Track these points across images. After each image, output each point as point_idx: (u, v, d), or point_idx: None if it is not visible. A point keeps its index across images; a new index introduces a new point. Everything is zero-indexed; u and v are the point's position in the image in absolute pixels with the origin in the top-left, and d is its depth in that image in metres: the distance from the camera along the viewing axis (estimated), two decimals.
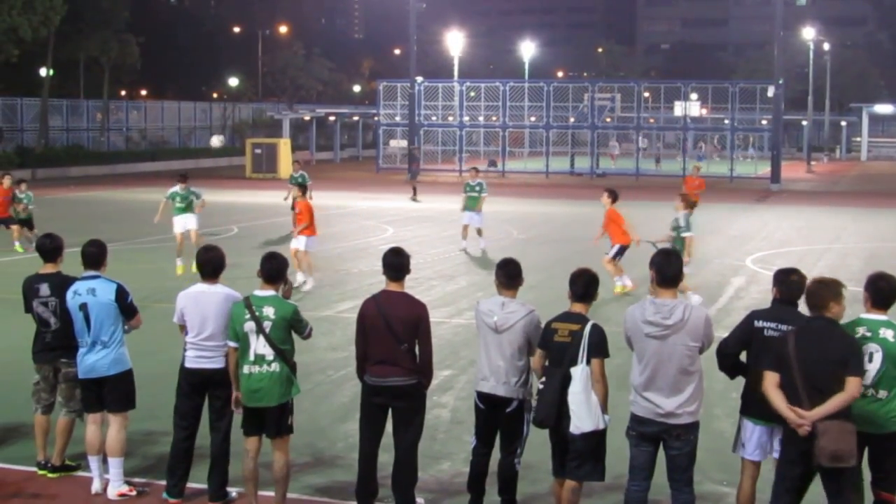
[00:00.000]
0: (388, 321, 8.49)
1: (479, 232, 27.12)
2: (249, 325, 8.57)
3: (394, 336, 8.49)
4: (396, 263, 8.75)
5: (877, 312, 7.73)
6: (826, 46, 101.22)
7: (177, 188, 23.31)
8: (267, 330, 8.55)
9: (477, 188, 27.54)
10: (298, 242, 20.88)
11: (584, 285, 8.42)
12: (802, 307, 7.85)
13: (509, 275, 8.72)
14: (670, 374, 7.75)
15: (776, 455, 7.97)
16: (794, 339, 7.44)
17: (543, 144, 67.68)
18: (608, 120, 74.97)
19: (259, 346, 8.57)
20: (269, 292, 8.72)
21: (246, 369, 8.61)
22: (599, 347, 8.13)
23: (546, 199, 47.11)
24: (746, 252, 27.40)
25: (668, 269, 7.90)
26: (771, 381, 7.49)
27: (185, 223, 22.99)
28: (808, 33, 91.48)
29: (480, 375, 8.71)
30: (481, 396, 8.68)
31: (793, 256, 26.77)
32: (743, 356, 8.18)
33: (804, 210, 39.95)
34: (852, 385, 7.25)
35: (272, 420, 8.68)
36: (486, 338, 8.64)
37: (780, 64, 59.00)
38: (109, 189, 49.01)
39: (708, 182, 60.67)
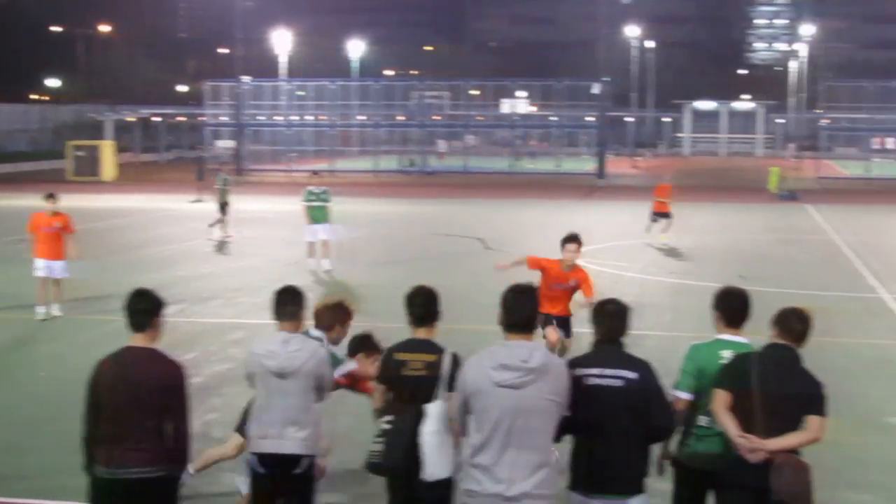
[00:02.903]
0: (133, 389, 6.50)
1: (328, 248, 23.36)
2: None
3: (139, 408, 6.51)
4: (138, 308, 6.74)
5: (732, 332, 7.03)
6: (649, 44, 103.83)
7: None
8: None
9: (323, 196, 23.77)
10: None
11: (423, 305, 7.13)
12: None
13: (285, 303, 7.33)
14: (527, 436, 6.06)
15: None
16: (758, 361, 6.55)
17: (374, 143, 67.52)
18: (437, 118, 75.33)
19: None
20: None
21: None
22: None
23: (378, 197, 46.89)
24: None
25: (519, 310, 6.31)
26: (721, 401, 6.52)
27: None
28: (633, 31, 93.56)
29: (259, 432, 7.15)
30: (264, 458, 7.14)
31: (618, 251, 27.11)
32: None
33: (629, 205, 40.59)
34: (816, 425, 6.43)
35: None
36: (267, 385, 7.13)
37: (605, 62, 60.17)
38: None
39: (534, 178, 61.93)
